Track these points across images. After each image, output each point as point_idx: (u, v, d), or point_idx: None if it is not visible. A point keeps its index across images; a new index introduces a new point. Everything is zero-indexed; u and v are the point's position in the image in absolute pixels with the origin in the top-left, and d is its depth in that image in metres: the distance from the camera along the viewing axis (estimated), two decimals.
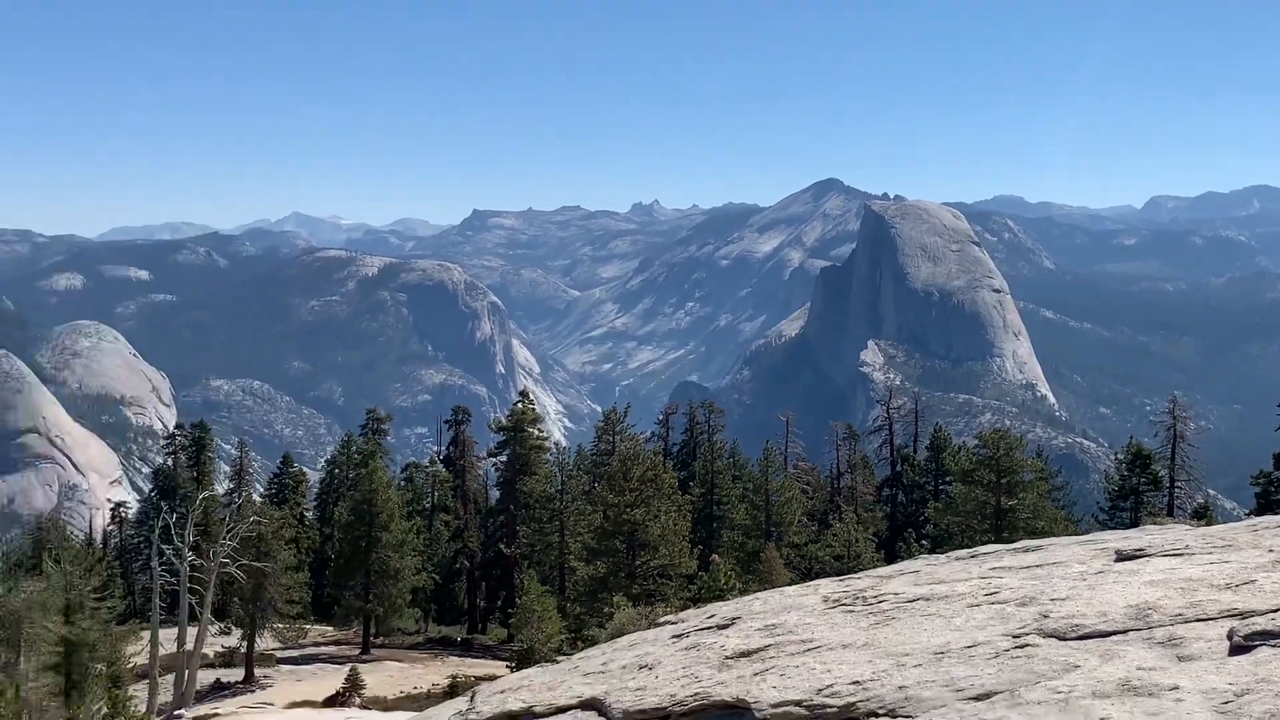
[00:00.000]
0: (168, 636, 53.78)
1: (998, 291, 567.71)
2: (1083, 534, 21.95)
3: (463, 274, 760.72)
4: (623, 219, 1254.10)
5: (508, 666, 48.37)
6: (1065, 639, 11.34)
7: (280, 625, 64.12)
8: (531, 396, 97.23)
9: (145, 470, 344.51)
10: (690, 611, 17.94)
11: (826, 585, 16.15)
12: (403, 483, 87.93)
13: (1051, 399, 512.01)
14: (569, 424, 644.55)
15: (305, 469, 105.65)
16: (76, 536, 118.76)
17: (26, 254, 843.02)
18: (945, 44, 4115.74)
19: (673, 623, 16.39)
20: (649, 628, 17.79)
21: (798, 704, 10.83)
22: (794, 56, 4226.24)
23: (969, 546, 19.08)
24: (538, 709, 13.16)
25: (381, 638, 70.75)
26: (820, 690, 10.92)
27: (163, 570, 51.20)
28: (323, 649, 69.38)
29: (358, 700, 45.44)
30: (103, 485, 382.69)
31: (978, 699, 10.02)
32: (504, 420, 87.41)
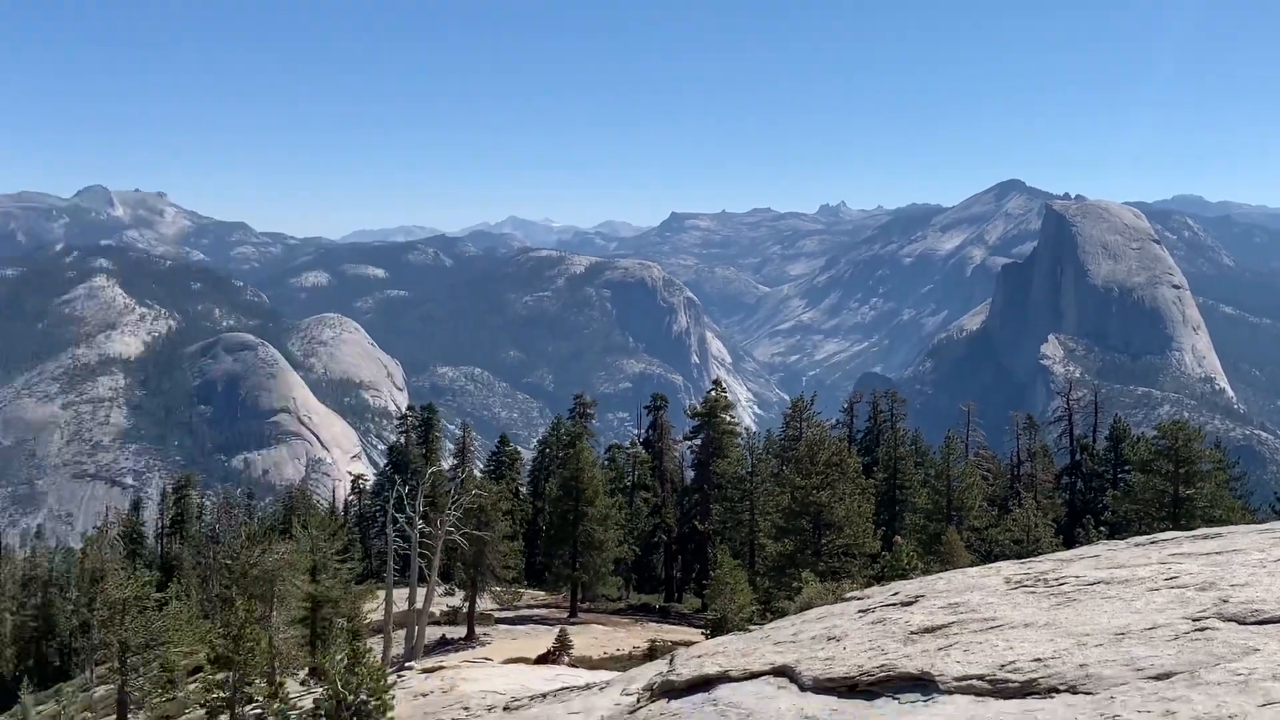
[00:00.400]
0: (400, 596, 55.51)
1: (1177, 288, 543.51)
2: (1261, 524, 20.89)
3: (661, 271, 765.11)
4: (810, 220, 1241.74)
5: (703, 633, 48.46)
6: (1245, 623, 10.85)
7: (498, 589, 65.57)
8: (724, 385, 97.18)
9: (380, 447, 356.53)
10: (875, 589, 17.70)
11: (1008, 567, 15.75)
12: (606, 462, 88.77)
13: (1230, 392, 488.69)
14: (759, 411, 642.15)
15: (519, 448, 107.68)
16: (321, 505, 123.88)
17: (280, 255, 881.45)
18: (1128, 46, 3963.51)
19: (859, 598, 16.20)
20: (836, 602, 17.61)
21: (980, 678, 10.61)
22: (977, 61, 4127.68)
23: (1147, 534, 18.35)
24: (733, 673, 13.17)
25: (587, 603, 71.63)
26: (1003, 666, 10.68)
27: (396, 536, 52.90)
28: (535, 611, 70.58)
29: (566, 659, 46.12)
30: (344, 459, 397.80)
31: (1158, 678, 9.66)
32: (699, 406, 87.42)
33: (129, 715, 52.03)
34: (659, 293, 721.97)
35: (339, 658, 25.66)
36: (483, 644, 55.38)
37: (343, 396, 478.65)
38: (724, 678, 13.19)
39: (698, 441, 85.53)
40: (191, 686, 50.53)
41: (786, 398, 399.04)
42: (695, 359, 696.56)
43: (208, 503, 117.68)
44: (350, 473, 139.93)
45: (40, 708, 63.44)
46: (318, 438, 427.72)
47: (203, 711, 37.51)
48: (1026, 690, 10.21)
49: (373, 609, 62.86)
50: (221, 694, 32.47)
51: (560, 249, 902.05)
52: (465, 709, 26.82)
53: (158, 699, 52.52)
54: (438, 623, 60.80)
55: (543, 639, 54.03)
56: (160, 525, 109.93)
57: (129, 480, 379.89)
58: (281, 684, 28.62)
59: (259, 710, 19.21)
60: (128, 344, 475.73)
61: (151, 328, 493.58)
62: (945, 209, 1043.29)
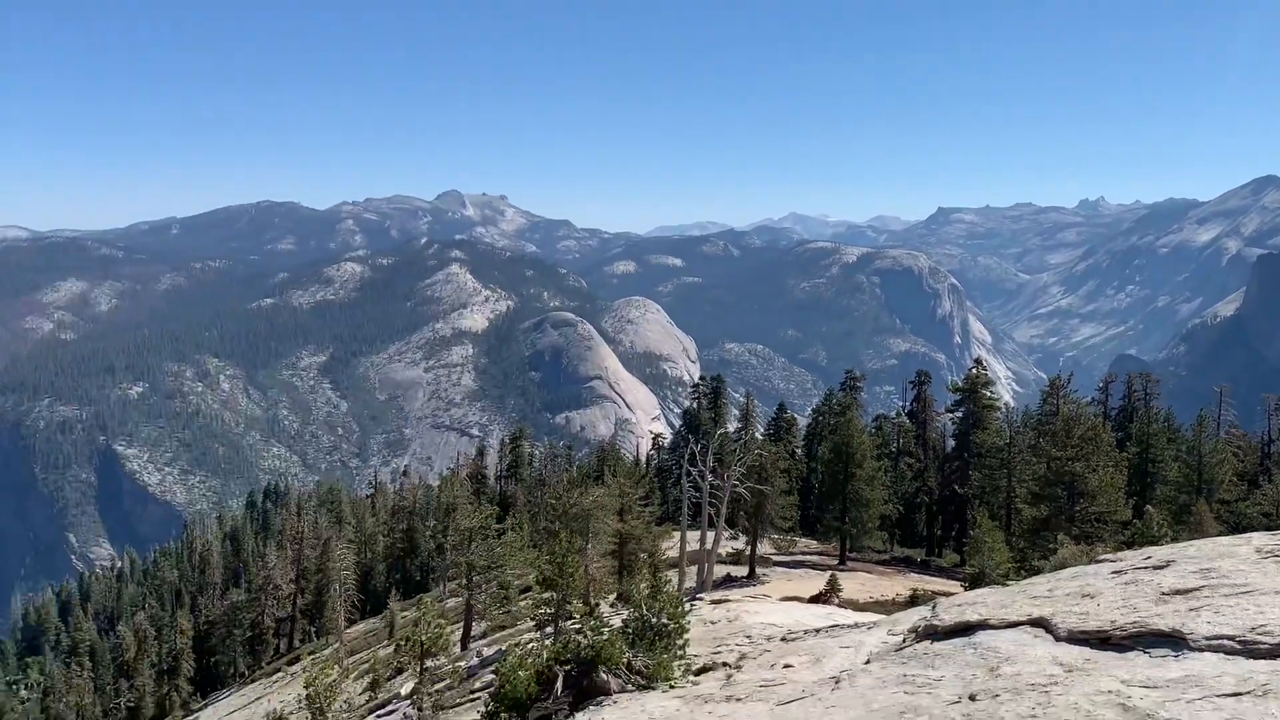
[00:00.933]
0: (692, 537, 56.49)
1: None
2: None
3: (927, 260, 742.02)
4: (1070, 213, 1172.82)
5: (961, 585, 47.04)
6: None
7: (775, 536, 65.73)
8: (984, 363, 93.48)
9: (676, 410, 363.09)
10: (1127, 553, 16.74)
11: (1259, 538, 14.58)
12: (873, 430, 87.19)
13: None
14: (1017, 388, 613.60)
15: (795, 415, 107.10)
16: (627, 457, 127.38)
17: (596, 247, 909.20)
18: None
19: (1111, 560, 15.37)
20: (1089, 563, 16.76)
21: (1231, 638, 9.92)
22: (1233, 57, 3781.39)
23: None
24: (991, 621, 12.81)
25: (854, 553, 70.83)
26: (1254, 628, 9.94)
27: (689, 487, 53.88)
28: (808, 557, 70.34)
29: (836, 600, 45.79)
30: (645, 420, 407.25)
31: None
32: (960, 382, 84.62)
33: (474, 622, 55.41)
34: (924, 279, 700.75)
35: (642, 586, 26.42)
36: (762, 583, 55.68)
37: (645, 367, 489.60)
38: (983, 625, 12.85)
39: (959, 414, 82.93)
40: (522, 602, 53.23)
41: (1044, 376, 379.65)
42: (957, 339, 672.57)
43: (536, 452, 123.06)
44: (651, 431, 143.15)
45: (404, 613, 68.40)
46: (624, 401, 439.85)
47: (532, 622, 39.50)
48: (1276, 652, 9.48)
49: (669, 547, 64.25)
50: (548, 610, 34.11)
51: (834, 241, 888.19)
52: (748, 637, 27.10)
53: (496, 610, 55.66)
54: (723, 562, 61.55)
55: (814, 581, 53.81)
56: (499, 469, 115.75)
57: (475, 431, 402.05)
58: (596, 605, 29.73)
59: (578, 625, 20.01)
60: (475, 320, 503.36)
61: (494, 308, 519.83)
62: (1201, 203, 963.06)
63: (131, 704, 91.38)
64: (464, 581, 54.92)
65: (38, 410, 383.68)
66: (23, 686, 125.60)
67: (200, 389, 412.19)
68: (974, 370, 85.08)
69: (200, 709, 75.67)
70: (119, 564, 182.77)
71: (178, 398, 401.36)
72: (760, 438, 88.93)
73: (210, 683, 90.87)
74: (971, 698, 10.23)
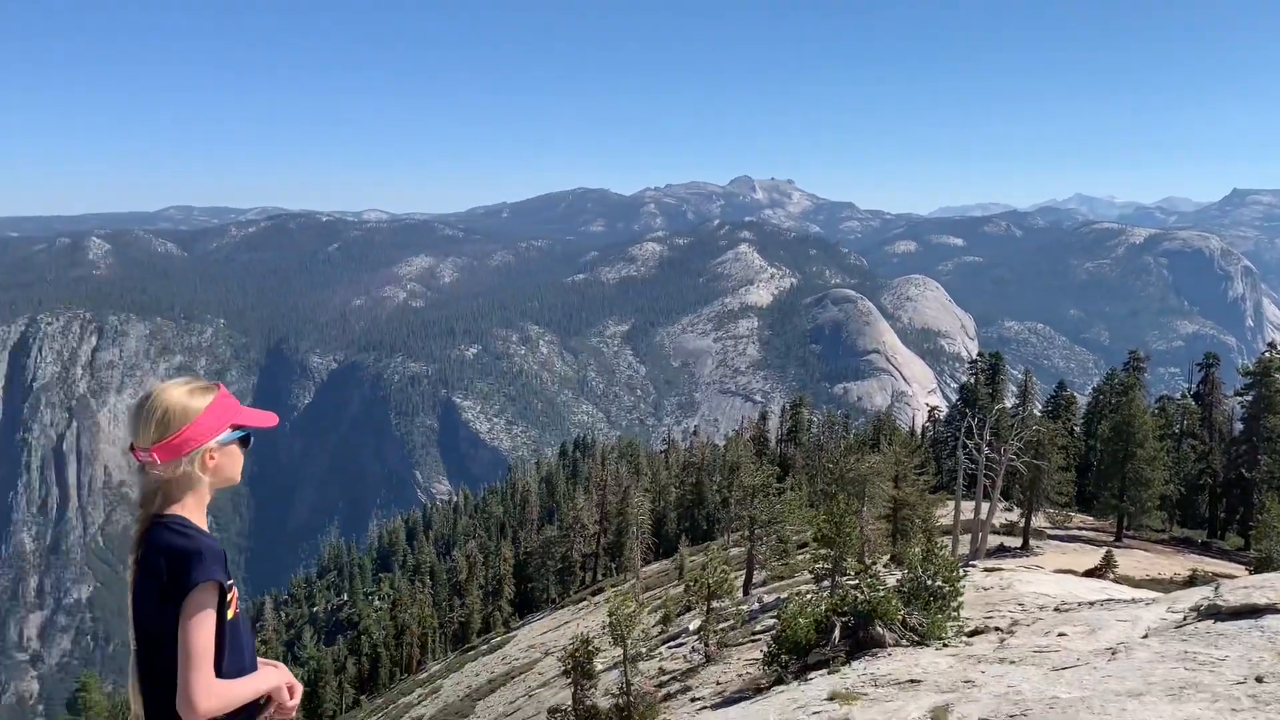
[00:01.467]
0: (965, 507, 54.66)
1: None
2: None
3: (1220, 242, 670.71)
4: None
5: (1245, 569, 42.82)
6: None
7: (1050, 510, 62.26)
8: (1279, 347, 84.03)
9: (952, 385, 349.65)
10: None
11: None
12: (1156, 411, 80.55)
13: None
14: None
15: (1075, 394, 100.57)
16: (902, 428, 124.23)
17: (878, 227, 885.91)
18: None
19: None
20: None
21: None
22: None
23: None
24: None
25: (1131, 531, 65.91)
26: None
27: (965, 458, 52.08)
28: (1082, 532, 66.14)
29: (1110, 575, 42.94)
30: (922, 393, 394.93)
31: None
32: (1251, 366, 76.54)
33: (754, 571, 56.14)
34: (1216, 261, 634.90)
35: (916, 549, 25.90)
36: (1035, 554, 53.01)
37: (922, 343, 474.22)
38: (1271, 609, 11.79)
39: (1249, 397, 75.15)
40: (800, 557, 53.38)
41: None
42: (1249, 322, 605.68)
43: (815, 419, 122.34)
44: (927, 404, 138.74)
45: (692, 558, 70.20)
46: (901, 374, 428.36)
47: (809, 575, 39.57)
48: None
49: (942, 515, 62.40)
50: (825, 565, 34.08)
51: (1120, 222, 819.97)
52: (1020, 605, 26.02)
53: (775, 562, 56.16)
54: (996, 533, 59.06)
55: (1089, 556, 50.66)
56: (779, 433, 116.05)
57: (757, 397, 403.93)
58: (871, 564, 29.43)
59: (854, 581, 19.94)
60: (760, 296, 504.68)
61: (778, 284, 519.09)
62: None
63: (463, 619, 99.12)
64: (746, 533, 55.70)
65: (393, 366, 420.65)
66: (376, 597, 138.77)
67: (523, 352, 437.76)
68: (1267, 354, 76.74)
69: (519, 627, 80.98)
70: (454, 498, 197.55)
71: (505, 358, 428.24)
72: (1038, 414, 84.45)
73: (526, 605, 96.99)
74: (1259, 679, 9.45)
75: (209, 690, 3.87)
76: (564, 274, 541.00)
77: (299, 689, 4.35)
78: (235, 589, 4.14)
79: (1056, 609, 21.51)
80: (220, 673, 3.97)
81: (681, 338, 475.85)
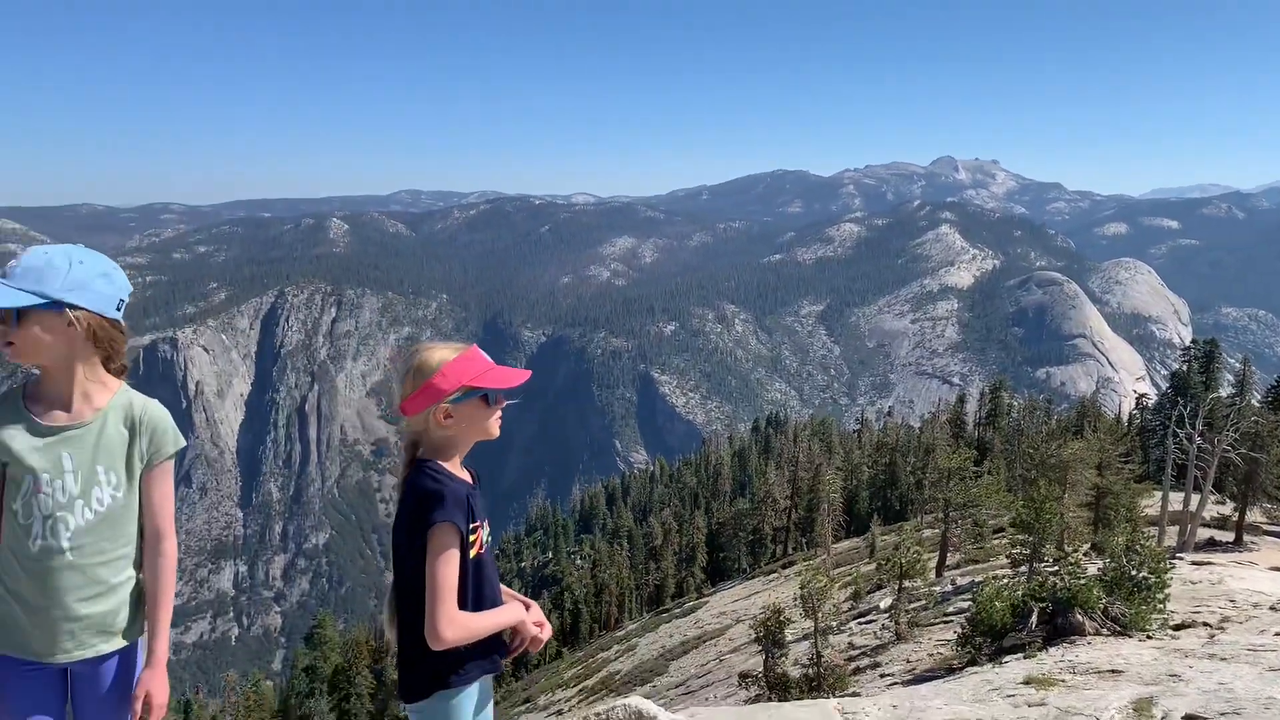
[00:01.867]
0: (1173, 498, 51.31)
1: None
2: None
3: None
4: None
5: None
6: None
7: (1268, 505, 57.30)
8: None
9: (1162, 372, 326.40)
10: None
11: None
12: None
13: None
14: None
15: None
16: (1108, 415, 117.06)
17: (1086, 209, 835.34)
18: None
19: None
20: None
21: None
22: None
23: None
24: None
25: None
26: None
27: (1174, 448, 48.77)
28: None
29: None
30: (1129, 380, 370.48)
31: None
32: None
33: (948, 553, 54.56)
34: None
35: (1119, 539, 24.54)
36: (1249, 550, 48.98)
37: (1131, 328, 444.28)
38: None
39: None
40: (995, 541, 51.46)
41: None
42: None
43: (1015, 403, 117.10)
44: (1135, 391, 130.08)
45: (884, 537, 68.82)
46: (1107, 360, 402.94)
47: (1005, 560, 38.16)
48: None
49: (1148, 505, 58.61)
50: (1023, 550, 32.77)
51: None
52: (1231, 601, 24.24)
53: (970, 545, 54.38)
54: (1207, 525, 54.91)
55: None
56: (978, 416, 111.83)
57: (955, 380, 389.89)
58: (1071, 550, 28.11)
59: (1054, 568, 19.19)
60: (961, 277, 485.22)
61: (980, 266, 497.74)
62: None
63: (657, 582, 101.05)
64: (940, 515, 54.17)
65: (596, 340, 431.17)
66: (578, 557, 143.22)
67: (719, 329, 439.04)
68: None
69: (711, 594, 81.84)
70: (651, 468, 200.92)
71: (701, 336, 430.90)
72: (1256, 404, 77.75)
73: (718, 574, 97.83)
74: None
75: (451, 620, 4.21)
76: (760, 254, 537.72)
77: (548, 627, 4.66)
78: (481, 531, 4.48)
79: (1272, 608, 19.97)
80: (464, 606, 4.32)
81: (877, 318, 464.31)
